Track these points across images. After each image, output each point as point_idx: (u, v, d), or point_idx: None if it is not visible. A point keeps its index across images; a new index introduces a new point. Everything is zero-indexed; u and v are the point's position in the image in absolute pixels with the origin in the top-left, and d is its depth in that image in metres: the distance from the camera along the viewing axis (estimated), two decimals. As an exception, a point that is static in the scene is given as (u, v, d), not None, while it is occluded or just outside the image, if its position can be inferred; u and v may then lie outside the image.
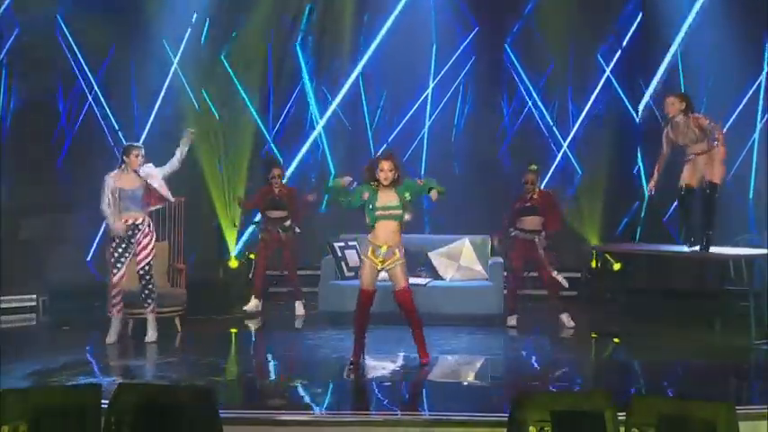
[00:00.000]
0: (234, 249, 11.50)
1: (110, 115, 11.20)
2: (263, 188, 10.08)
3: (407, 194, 7.01)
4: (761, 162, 10.75)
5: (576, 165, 11.80)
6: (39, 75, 10.69)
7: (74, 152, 10.92)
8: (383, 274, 7.17)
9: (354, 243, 9.52)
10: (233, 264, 11.39)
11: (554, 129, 11.83)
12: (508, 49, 11.94)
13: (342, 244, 9.52)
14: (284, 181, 10.19)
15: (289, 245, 9.85)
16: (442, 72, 11.97)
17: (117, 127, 11.09)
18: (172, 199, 8.18)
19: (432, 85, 11.99)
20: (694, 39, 11.17)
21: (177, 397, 4.28)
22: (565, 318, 8.97)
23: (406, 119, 11.98)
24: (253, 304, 9.80)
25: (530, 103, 11.87)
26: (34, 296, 9.90)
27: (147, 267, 8.03)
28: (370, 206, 6.98)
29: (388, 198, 6.99)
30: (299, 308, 9.80)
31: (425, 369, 7.11)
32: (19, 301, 9.85)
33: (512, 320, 9.05)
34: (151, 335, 8.10)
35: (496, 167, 11.65)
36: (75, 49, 11.13)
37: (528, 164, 9.26)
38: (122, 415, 4.14)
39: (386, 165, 6.95)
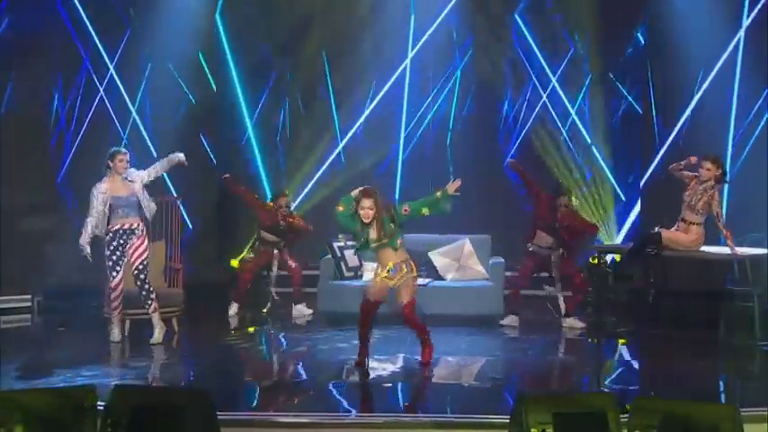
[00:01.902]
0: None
1: (135, 114, 10.78)
2: (267, 207, 9.90)
3: (391, 225, 6.98)
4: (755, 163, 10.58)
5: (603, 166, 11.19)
6: (34, 60, 10.28)
7: (74, 152, 10.74)
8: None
9: (354, 243, 9.50)
10: (234, 263, 11.35)
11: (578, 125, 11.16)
12: (518, 21, 11.24)
13: (341, 244, 9.52)
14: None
15: (288, 258, 9.81)
16: (420, 43, 11.19)
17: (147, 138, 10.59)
18: (151, 208, 8.22)
19: (406, 64, 11.22)
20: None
21: (174, 399, 4.29)
22: (570, 320, 8.99)
23: (369, 107, 11.41)
24: (234, 309, 9.65)
25: (545, 97, 11.25)
26: (29, 296, 9.89)
27: (141, 268, 8.08)
28: (365, 240, 7.03)
29: (374, 233, 7.00)
30: (303, 309, 9.73)
31: (426, 370, 7.13)
32: (13, 302, 9.84)
33: (509, 320, 9.09)
34: (156, 336, 8.13)
35: (499, 166, 11.51)
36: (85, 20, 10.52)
37: (565, 190, 9.39)
38: (118, 417, 4.14)
39: (366, 203, 6.91)
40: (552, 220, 9.10)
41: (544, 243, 9.19)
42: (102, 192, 8.02)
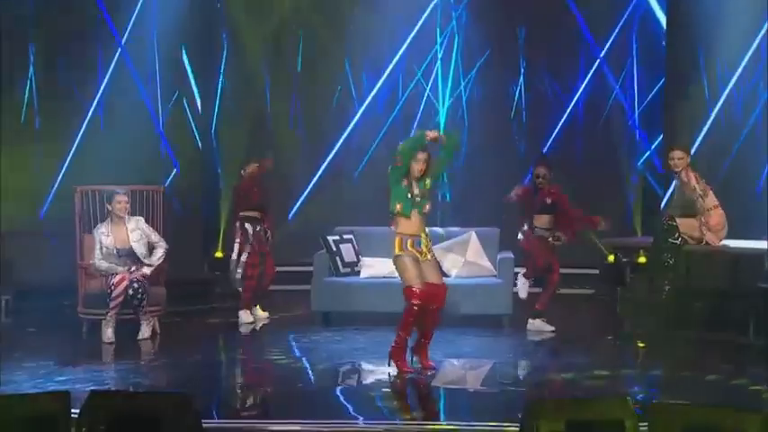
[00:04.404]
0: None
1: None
2: (254, 176, 9.45)
3: (428, 182, 7.01)
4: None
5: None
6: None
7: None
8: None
9: (350, 236, 9.51)
10: (219, 254, 11.34)
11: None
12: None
13: (336, 237, 9.50)
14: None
15: (269, 251, 9.54)
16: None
17: None
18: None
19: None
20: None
21: (155, 405, 4.28)
22: (538, 323, 8.91)
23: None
24: (248, 319, 9.33)
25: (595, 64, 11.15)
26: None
27: (136, 287, 8.14)
28: (408, 195, 6.94)
29: (417, 188, 7.00)
30: (258, 313, 9.51)
31: (429, 374, 7.13)
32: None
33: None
34: (143, 331, 8.29)
35: (508, 150, 11.47)
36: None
37: (540, 157, 9.31)
38: (95, 425, 4.13)
39: (422, 156, 6.91)
40: (535, 196, 9.06)
41: (545, 225, 9.06)
42: (101, 233, 8.17)
